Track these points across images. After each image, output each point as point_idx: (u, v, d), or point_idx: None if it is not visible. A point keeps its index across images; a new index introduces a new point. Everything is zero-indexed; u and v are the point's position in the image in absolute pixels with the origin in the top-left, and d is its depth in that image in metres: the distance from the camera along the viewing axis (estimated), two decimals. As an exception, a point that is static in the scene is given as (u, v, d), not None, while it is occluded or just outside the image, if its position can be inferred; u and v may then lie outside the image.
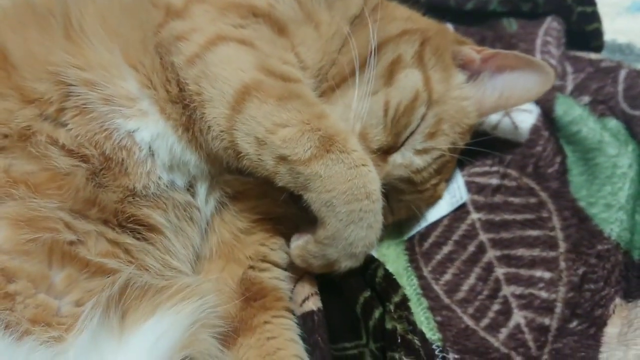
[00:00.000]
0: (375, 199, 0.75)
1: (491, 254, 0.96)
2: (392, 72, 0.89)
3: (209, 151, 0.81)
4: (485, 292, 0.93)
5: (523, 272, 0.93)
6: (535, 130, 1.06)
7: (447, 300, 0.93)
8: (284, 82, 0.77)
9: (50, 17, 0.79)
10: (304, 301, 0.87)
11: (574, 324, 0.88)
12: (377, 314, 0.84)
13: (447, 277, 0.95)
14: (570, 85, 1.15)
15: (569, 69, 1.18)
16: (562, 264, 0.93)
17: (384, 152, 0.88)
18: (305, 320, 0.85)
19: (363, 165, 0.75)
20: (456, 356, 0.87)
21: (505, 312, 0.90)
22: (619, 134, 1.05)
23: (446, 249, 0.98)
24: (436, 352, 0.87)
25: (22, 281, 0.68)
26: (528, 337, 0.87)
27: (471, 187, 1.03)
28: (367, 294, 0.86)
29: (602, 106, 1.09)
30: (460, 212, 1.01)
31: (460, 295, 0.93)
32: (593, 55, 1.21)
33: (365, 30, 0.90)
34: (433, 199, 1.00)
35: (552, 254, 0.94)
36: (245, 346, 0.81)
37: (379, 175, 0.78)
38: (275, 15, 0.85)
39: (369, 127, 0.86)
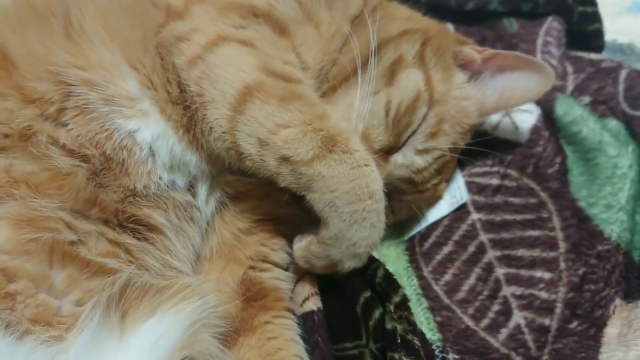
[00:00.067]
0: (378, 199, 0.75)
1: (491, 254, 0.96)
2: (394, 72, 0.89)
3: (210, 152, 0.81)
4: (486, 293, 0.93)
5: (523, 272, 0.93)
6: (535, 130, 1.06)
7: (447, 301, 0.93)
8: (285, 82, 0.77)
9: (50, 17, 0.79)
10: (304, 301, 0.87)
11: (574, 324, 0.88)
12: (377, 314, 0.84)
13: (447, 277, 0.95)
14: (570, 86, 1.15)
15: (570, 69, 1.18)
16: (562, 265, 0.93)
17: (385, 152, 0.88)
18: (306, 320, 0.86)
19: (365, 165, 0.75)
20: (456, 356, 0.87)
21: (505, 313, 0.90)
22: (619, 134, 1.05)
23: (446, 249, 0.99)
24: (436, 353, 0.87)
25: (22, 281, 0.68)
26: (528, 337, 0.88)
27: (471, 187, 1.03)
28: (367, 294, 0.86)
29: (602, 106, 1.09)
30: (460, 212, 1.01)
31: (461, 295, 0.93)
32: (594, 56, 1.20)
33: (366, 30, 0.90)
34: (433, 199, 1.00)
35: (552, 254, 0.94)
36: (246, 346, 0.81)
37: (380, 176, 0.78)
38: (276, 16, 0.85)
39: (371, 128, 0.86)
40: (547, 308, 0.89)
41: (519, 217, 0.99)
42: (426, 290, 0.95)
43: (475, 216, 1.00)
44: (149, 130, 0.79)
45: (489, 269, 0.95)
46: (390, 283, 0.87)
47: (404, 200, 0.95)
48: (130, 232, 0.79)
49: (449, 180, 1.02)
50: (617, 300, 0.89)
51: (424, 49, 0.92)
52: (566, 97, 1.11)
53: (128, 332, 0.69)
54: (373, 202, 0.74)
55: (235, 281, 0.86)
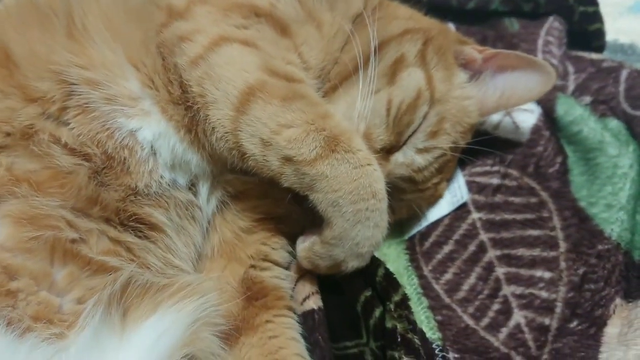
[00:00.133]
0: (381, 198, 0.75)
1: (492, 253, 0.96)
2: (395, 71, 0.89)
3: (212, 152, 0.81)
4: (486, 292, 0.93)
5: (523, 271, 0.93)
6: (536, 130, 1.06)
7: (447, 300, 0.93)
8: (287, 82, 0.77)
9: (53, 17, 0.80)
10: (304, 300, 0.88)
11: (574, 323, 0.88)
12: (377, 312, 0.84)
13: (448, 276, 0.96)
14: (571, 85, 1.15)
15: (571, 69, 1.18)
16: (563, 264, 0.93)
17: (386, 151, 0.88)
18: (306, 319, 0.86)
19: (368, 164, 0.75)
20: (456, 355, 0.87)
21: (506, 312, 0.90)
22: (620, 134, 1.05)
23: (447, 249, 0.99)
24: (436, 352, 0.87)
25: (24, 279, 0.68)
26: (528, 336, 0.88)
27: (472, 186, 1.03)
28: (367, 293, 0.86)
29: (603, 106, 1.09)
30: (460, 211, 1.01)
31: (461, 294, 0.93)
32: (594, 56, 1.20)
33: (368, 28, 0.90)
34: (434, 198, 1.01)
35: (552, 253, 0.94)
36: (247, 345, 0.81)
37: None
38: (277, 15, 0.85)
39: (372, 127, 0.86)
40: (547, 307, 0.89)
41: (519, 216, 0.99)
42: (426, 289, 0.95)
43: (475, 215, 1.01)
44: (150, 130, 0.79)
45: (489, 268, 0.95)
46: (391, 282, 0.87)
47: (405, 199, 0.95)
48: (132, 230, 0.79)
49: (449, 179, 1.03)
50: (617, 300, 0.89)
51: (425, 49, 0.92)
52: (567, 97, 1.11)
53: (129, 330, 0.69)
54: (376, 201, 0.75)
55: (236, 280, 0.86)
